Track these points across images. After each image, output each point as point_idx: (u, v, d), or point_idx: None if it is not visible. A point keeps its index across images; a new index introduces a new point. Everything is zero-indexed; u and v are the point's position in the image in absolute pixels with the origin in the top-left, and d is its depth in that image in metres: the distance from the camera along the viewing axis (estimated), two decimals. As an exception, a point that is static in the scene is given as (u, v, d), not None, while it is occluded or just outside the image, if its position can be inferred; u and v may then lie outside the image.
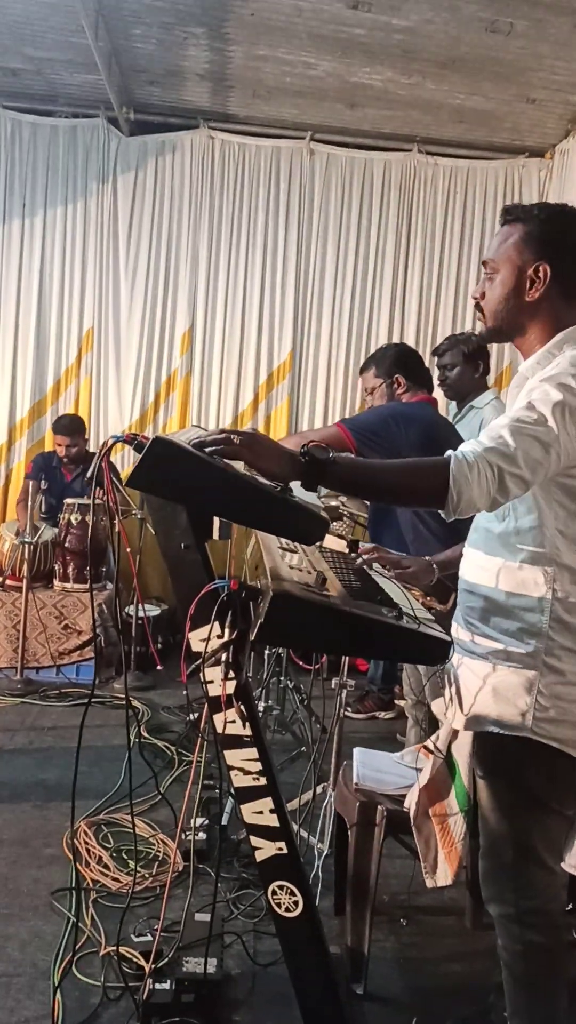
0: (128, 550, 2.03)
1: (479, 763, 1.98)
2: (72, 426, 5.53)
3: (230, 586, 1.78)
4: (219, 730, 1.96)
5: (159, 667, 4.32)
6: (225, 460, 1.57)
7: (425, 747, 2.28)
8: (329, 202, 6.15)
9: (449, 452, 1.64)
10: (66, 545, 5.09)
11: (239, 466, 1.64)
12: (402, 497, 1.86)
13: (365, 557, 2.29)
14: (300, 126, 6.03)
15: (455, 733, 2.33)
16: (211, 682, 1.93)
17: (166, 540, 1.95)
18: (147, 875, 2.91)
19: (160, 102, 5.93)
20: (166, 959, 2.33)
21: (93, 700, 4.57)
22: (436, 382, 4.37)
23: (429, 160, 6.13)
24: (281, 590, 1.62)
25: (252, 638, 1.66)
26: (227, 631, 1.83)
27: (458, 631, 1.92)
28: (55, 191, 6.08)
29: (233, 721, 1.96)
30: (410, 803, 2.39)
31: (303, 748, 3.89)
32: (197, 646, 1.90)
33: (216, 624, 1.81)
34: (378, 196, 6.15)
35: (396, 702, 4.80)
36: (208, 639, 1.81)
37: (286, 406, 6.18)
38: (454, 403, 4.36)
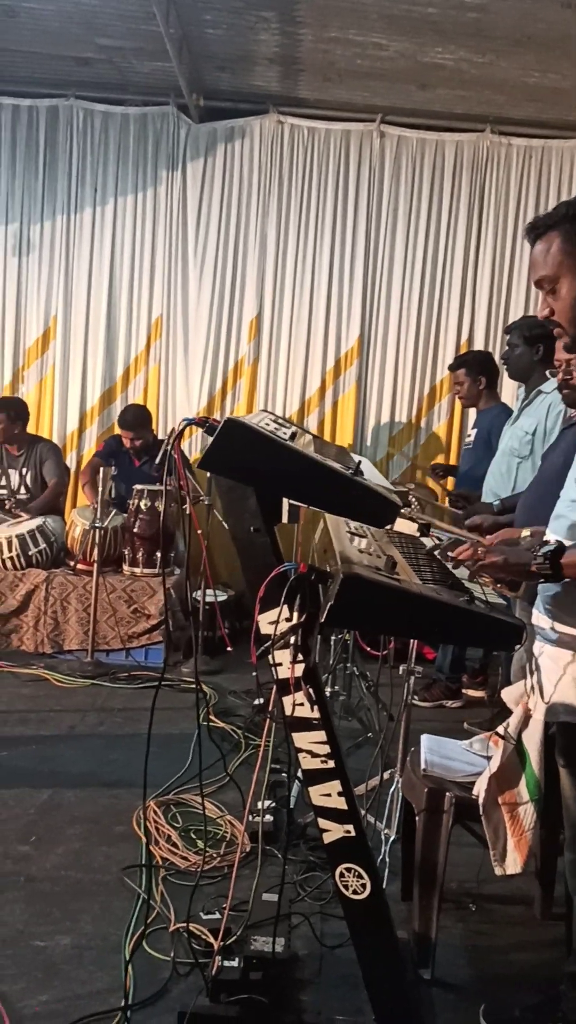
0: (199, 532, 2.04)
1: (561, 752, 1.96)
2: (136, 420, 5.58)
3: (299, 569, 1.78)
4: (288, 712, 1.97)
5: (229, 648, 4.35)
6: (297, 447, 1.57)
7: (496, 734, 2.25)
8: (399, 185, 6.08)
9: None
10: (135, 530, 5.16)
11: (309, 449, 1.64)
12: None
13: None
14: (370, 109, 5.97)
15: (526, 721, 2.30)
16: (280, 664, 1.94)
17: (235, 524, 1.96)
18: (215, 855, 2.94)
19: (229, 88, 5.93)
20: (234, 937, 2.36)
21: (163, 683, 4.66)
22: (500, 361, 4.39)
23: (502, 140, 6.02)
24: (351, 573, 1.62)
25: (322, 621, 1.66)
26: (296, 614, 1.84)
27: (539, 619, 1.89)
28: (125, 179, 6.13)
29: (301, 704, 1.97)
30: (479, 791, 2.38)
31: (369, 735, 3.89)
32: (266, 629, 1.91)
33: (285, 607, 1.82)
34: (449, 178, 6.06)
35: (463, 691, 4.77)
36: (277, 621, 1.82)
37: (353, 393, 6.15)
38: (523, 389, 4.31)
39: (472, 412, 5.59)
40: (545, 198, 6.06)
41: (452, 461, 6.14)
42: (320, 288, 6.12)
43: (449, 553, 2.20)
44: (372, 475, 1.67)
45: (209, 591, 5.08)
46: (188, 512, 1.82)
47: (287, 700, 1.96)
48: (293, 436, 1.75)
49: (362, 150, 6.06)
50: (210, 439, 1.58)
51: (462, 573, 2.19)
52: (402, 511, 1.80)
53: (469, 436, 5.00)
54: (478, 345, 6.01)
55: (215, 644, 5.05)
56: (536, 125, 5.98)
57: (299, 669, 1.93)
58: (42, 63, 5.77)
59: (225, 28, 5.06)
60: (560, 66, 5.12)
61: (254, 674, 1.88)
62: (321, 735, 2.00)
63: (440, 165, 6.07)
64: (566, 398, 2.99)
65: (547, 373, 3.91)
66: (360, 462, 1.75)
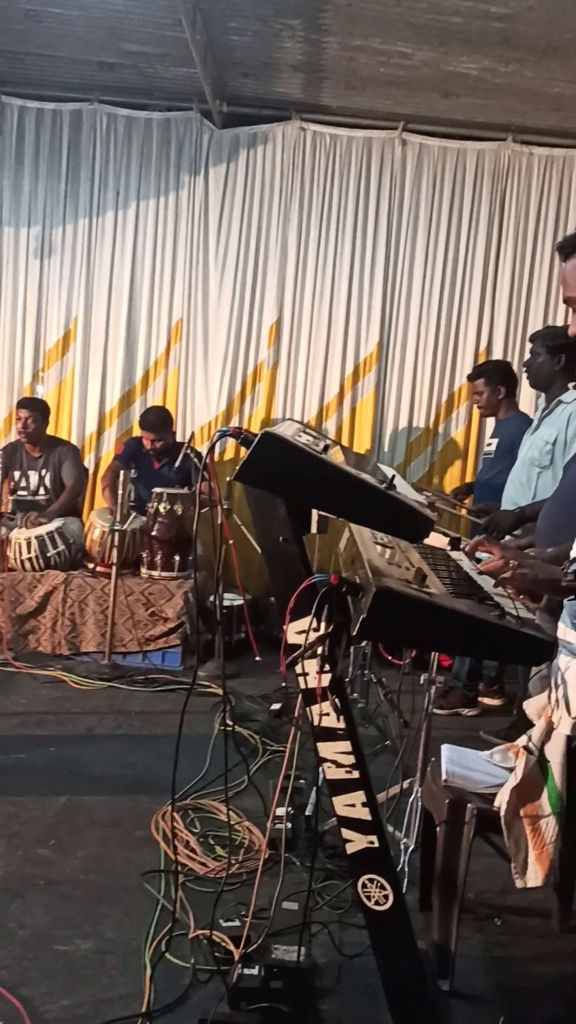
0: (231, 542, 2.06)
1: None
2: (157, 421, 5.61)
3: (330, 580, 1.79)
4: (314, 722, 1.98)
5: (258, 658, 4.39)
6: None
7: (525, 747, 2.26)
8: (420, 193, 6.09)
9: None
10: (153, 534, 5.18)
11: (342, 462, 1.65)
12: None
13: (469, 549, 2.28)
14: (392, 116, 5.99)
15: (549, 733, 2.31)
16: (306, 674, 1.95)
17: (264, 533, 1.96)
18: (235, 861, 2.95)
19: (253, 94, 5.96)
20: (255, 945, 2.37)
21: (178, 687, 4.68)
22: (522, 368, 4.40)
23: (524, 149, 6.02)
24: (383, 586, 1.63)
25: (354, 633, 1.67)
26: (324, 625, 1.85)
27: (565, 632, 1.90)
28: (148, 184, 6.16)
29: (327, 714, 1.98)
30: (500, 802, 2.38)
31: (387, 742, 3.89)
32: (294, 639, 1.92)
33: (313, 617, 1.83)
34: (470, 187, 6.07)
35: (480, 699, 4.77)
36: (308, 631, 1.82)
37: (372, 398, 6.16)
38: (544, 399, 4.31)
39: (490, 421, 5.60)
40: (566, 208, 6.07)
41: (469, 468, 6.15)
42: (340, 294, 6.13)
43: (477, 564, 2.21)
44: (404, 489, 1.68)
45: (227, 595, 5.09)
46: (220, 521, 1.82)
47: (313, 710, 1.97)
48: (326, 449, 1.76)
49: (384, 157, 6.08)
50: (245, 450, 1.59)
51: (484, 581, 2.20)
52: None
53: (489, 444, 5.00)
54: (497, 354, 6.02)
55: (231, 648, 5.07)
56: (558, 135, 5.99)
57: (326, 679, 1.94)
58: (67, 67, 5.80)
59: (251, 35, 5.08)
60: (586, 76, 5.12)
61: (283, 684, 1.88)
62: (346, 745, 2.01)
63: (461, 173, 6.08)
64: None
65: (569, 386, 3.91)
66: (393, 476, 1.76)
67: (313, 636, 1.86)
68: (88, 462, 6.13)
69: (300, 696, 2.00)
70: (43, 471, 5.63)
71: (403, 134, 6.03)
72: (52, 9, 4.99)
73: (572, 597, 1.74)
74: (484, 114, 5.85)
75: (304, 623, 1.86)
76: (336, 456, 1.78)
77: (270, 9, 4.74)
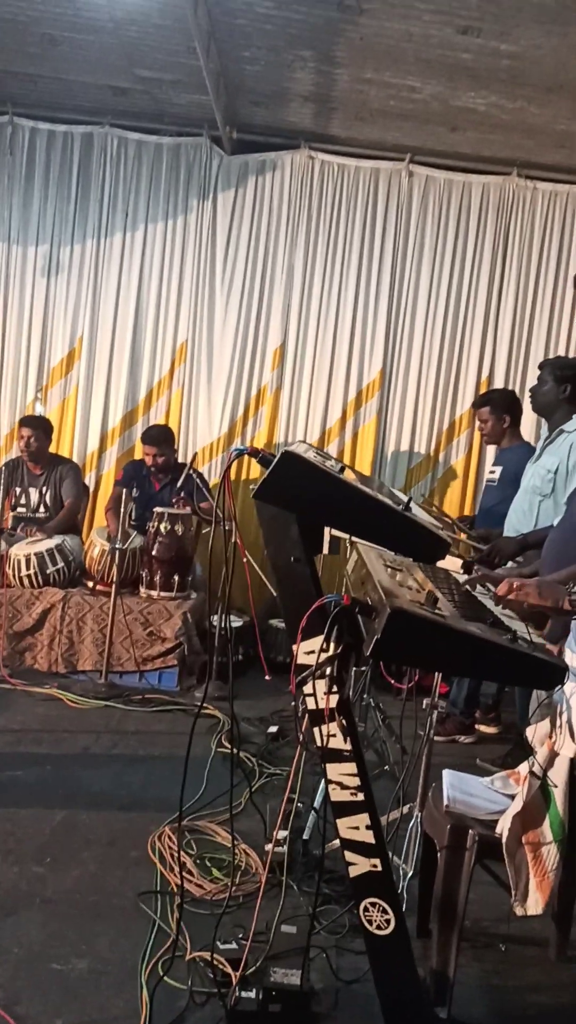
0: (246, 560, 2.07)
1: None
2: (160, 436, 5.65)
3: (343, 601, 1.80)
4: (320, 743, 1.98)
5: (267, 677, 4.38)
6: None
7: (531, 772, 2.26)
8: (425, 224, 6.16)
9: None
10: (153, 553, 5.18)
11: (358, 483, 1.67)
12: None
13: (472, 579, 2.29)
14: (400, 148, 6.07)
15: (552, 760, 2.31)
16: (314, 694, 1.95)
17: (276, 552, 1.98)
18: (230, 884, 2.93)
19: (263, 122, 6.03)
20: (253, 968, 2.35)
21: (175, 707, 4.67)
22: (528, 393, 4.44)
23: (528, 184, 6.11)
24: (397, 607, 1.64)
25: (367, 654, 1.68)
26: (334, 646, 1.86)
27: (571, 658, 1.91)
28: (156, 206, 6.22)
29: (334, 735, 1.99)
30: (502, 829, 2.38)
31: (386, 767, 3.88)
32: (304, 659, 1.93)
33: (322, 637, 1.84)
34: (475, 219, 6.15)
35: (476, 726, 4.76)
36: (318, 651, 1.84)
37: (374, 424, 6.20)
38: (546, 427, 4.35)
39: (490, 449, 5.63)
40: (569, 242, 6.15)
41: (468, 496, 6.18)
42: (344, 321, 6.19)
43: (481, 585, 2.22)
44: (418, 512, 1.70)
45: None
46: (235, 539, 1.84)
47: (320, 731, 1.98)
48: (343, 470, 1.78)
49: (390, 188, 6.15)
50: (263, 469, 1.61)
51: (493, 605, 2.21)
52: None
53: (492, 472, 5.02)
54: (498, 383, 6.07)
55: (227, 670, 5.05)
56: (562, 171, 6.07)
57: (334, 700, 1.94)
58: (79, 91, 5.88)
59: (263, 65, 5.16)
60: (591, 113, 5.21)
61: (292, 704, 1.89)
62: (352, 767, 2.02)
63: (466, 206, 6.16)
64: None
65: (573, 416, 3.95)
66: (410, 499, 1.78)
67: (323, 656, 1.87)
68: (89, 480, 6.15)
69: (307, 716, 2.01)
70: (44, 488, 5.64)
71: (410, 166, 6.10)
72: (68, 34, 5.06)
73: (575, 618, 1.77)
74: (490, 148, 5.94)
75: (315, 643, 1.87)
76: (351, 478, 1.80)
77: (283, 40, 4.82)
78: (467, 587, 2.30)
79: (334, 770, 2.02)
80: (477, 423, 5.17)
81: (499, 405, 4.95)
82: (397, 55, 4.81)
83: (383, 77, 5.09)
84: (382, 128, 5.84)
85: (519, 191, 6.12)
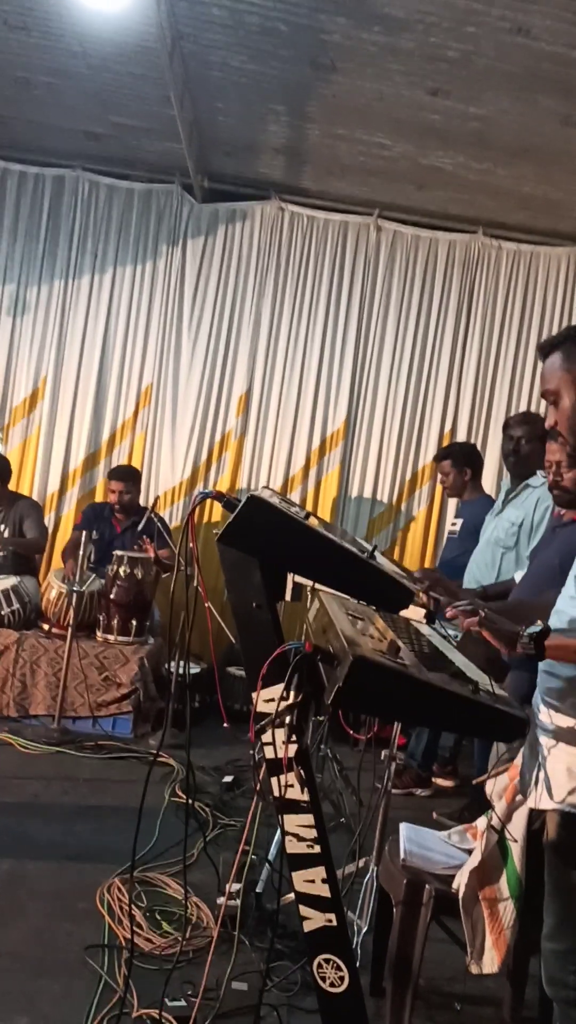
0: (208, 605, 2.04)
1: (553, 842, 1.95)
2: (128, 474, 5.63)
3: (305, 648, 1.78)
4: (277, 794, 1.94)
5: (226, 725, 4.30)
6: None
7: (489, 826, 2.24)
8: (392, 278, 6.26)
9: None
10: (111, 597, 5.12)
11: (323, 530, 1.66)
12: None
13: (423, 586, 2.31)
14: (368, 203, 6.19)
15: (510, 815, 2.29)
16: (272, 743, 1.92)
17: (238, 598, 1.95)
18: (181, 938, 2.85)
19: (234, 172, 6.12)
20: (202, 1027, 2.28)
21: (129, 755, 4.57)
22: (502, 453, 4.42)
23: (493, 243, 6.24)
24: (360, 655, 1.62)
25: (328, 702, 1.66)
26: (294, 694, 1.83)
27: (546, 715, 1.91)
28: (126, 251, 6.26)
29: (292, 785, 1.95)
30: (459, 884, 2.35)
31: (342, 819, 3.83)
32: (263, 707, 1.90)
33: (283, 686, 1.81)
34: (441, 275, 6.26)
35: (433, 780, 4.72)
36: (278, 700, 1.81)
37: (337, 473, 6.23)
38: (507, 480, 4.39)
39: (452, 501, 5.67)
40: (531, 300, 6.28)
41: (429, 546, 6.20)
42: (310, 370, 6.24)
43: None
44: (383, 561, 1.69)
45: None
46: (197, 582, 1.81)
47: (278, 780, 1.94)
48: (307, 517, 1.77)
49: (359, 241, 6.25)
50: (230, 513, 1.60)
51: (455, 655, 2.20)
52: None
53: (454, 524, 5.05)
54: (461, 436, 6.13)
55: (183, 717, 4.97)
56: (527, 231, 6.22)
57: (292, 749, 1.91)
58: (53, 134, 5.93)
59: (236, 117, 5.25)
60: (555, 178, 5.36)
61: (250, 752, 1.85)
62: (309, 819, 1.98)
63: (432, 261, 6.27)
64: (557, 499, 3.05)
65: (538, 472, 3.99)
66: (375, 547, 1.77)
67: (283, 705, 1.84)
68: (48, 521, 6.07)
69: (264, 766, 1.97)
70: (2, 527, 5.56)
71: (378, 220, 6.22)
72: (43, 78, 5.12)
73: (528, 657, 1.79)
74: (456, 207, 6.07)
75: (275, 691, 1.84)
76: (315, 525, 1.79)
77: (257, 94, 4.92)
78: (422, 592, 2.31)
79: (291, 821, 1.97)
80: (439, 476, 5.21)
81: (460, 458, 4.99)
82: (368, 113, 4.92)
83: (354, 134, 5.21)
84: (352, 183, 5.95)
85: (484, 249, 6.26)
